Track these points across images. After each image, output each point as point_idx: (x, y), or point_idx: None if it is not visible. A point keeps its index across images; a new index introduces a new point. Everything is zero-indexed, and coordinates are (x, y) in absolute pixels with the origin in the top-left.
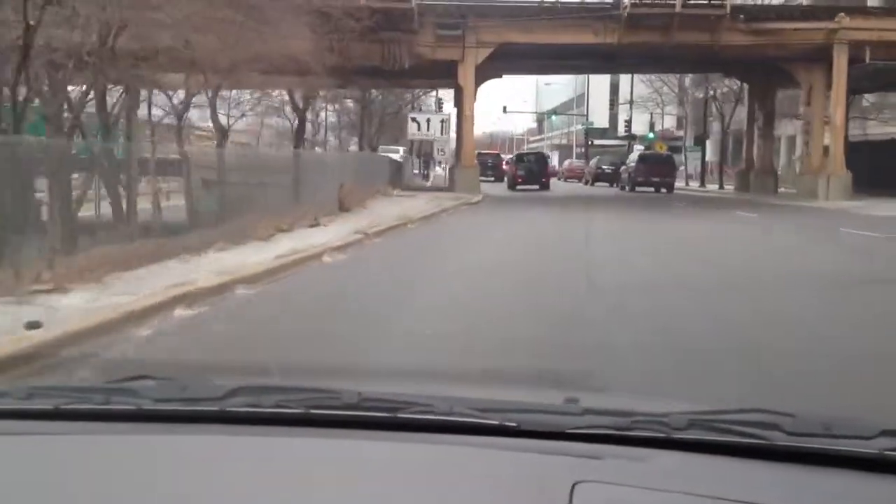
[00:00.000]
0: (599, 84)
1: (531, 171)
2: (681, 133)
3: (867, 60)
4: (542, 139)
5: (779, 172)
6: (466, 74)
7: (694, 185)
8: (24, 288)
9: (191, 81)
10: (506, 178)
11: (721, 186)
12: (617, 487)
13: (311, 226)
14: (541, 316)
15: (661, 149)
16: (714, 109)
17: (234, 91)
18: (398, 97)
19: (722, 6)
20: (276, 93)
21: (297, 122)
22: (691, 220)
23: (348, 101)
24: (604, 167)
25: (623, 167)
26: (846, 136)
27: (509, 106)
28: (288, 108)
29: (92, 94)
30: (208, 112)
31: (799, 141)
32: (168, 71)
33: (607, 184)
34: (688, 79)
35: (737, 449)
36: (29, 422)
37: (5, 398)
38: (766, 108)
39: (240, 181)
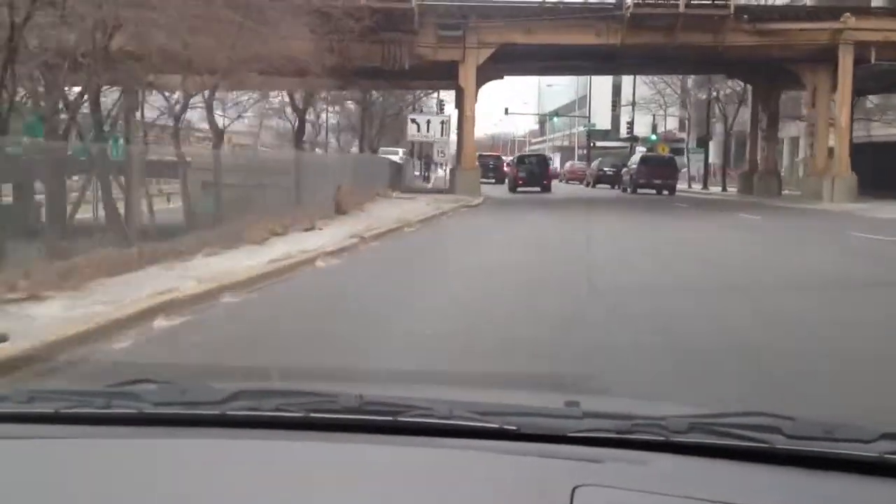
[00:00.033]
0: (601, 85)
1: (532, 173)
2: (683, 135)
3: (873, 61)
4: (543, 141)
5: (781, 174)
6: (467, 75)
7: (696, 187)
8: None
9: (188, 82)
10: (507, 180)
11: (724, 188)
12: (617, 491)
13: (307, 229)
14: (541, 319)
15: (664, 151)
16: (717, 111)
17: (233, 92)
18: (399, 98)
19: (726, 6)
20: (277, 95)
21: (297, 123)
22: (694, 222)
23: (349, 102)
24: (605, 169)
25: (624, 169)
26: (851, 138)
27: (511, 108)
28: (289, 110)
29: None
30: (222, 115)
31: (802, 143)
32: (164, 72)
33: (608, 186)
34: (690, 80)
35: (737, 452)
36: (29, 425)
37: (5, 402)
38: (770, 109)
39: (236, 183)
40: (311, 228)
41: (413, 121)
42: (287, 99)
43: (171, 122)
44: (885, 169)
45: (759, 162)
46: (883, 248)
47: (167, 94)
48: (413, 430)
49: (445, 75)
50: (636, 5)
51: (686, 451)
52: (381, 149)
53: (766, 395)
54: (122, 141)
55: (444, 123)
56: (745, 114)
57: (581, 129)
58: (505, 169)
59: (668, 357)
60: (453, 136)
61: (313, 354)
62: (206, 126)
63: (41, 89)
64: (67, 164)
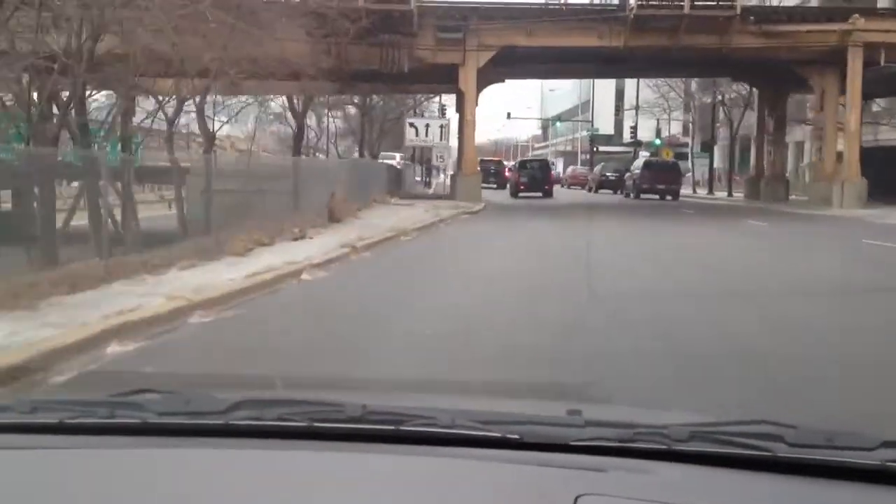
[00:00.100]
0: (605, 90)
1: (534, 178)
2: (687, 139)
3: (882, 63)
4: (546, 146)
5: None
6: (468, 78)
7: (701, 192)
8: None
9: (180, 85)
10: (508, 186)
11: (730, 194)
12: (619, 500)
13: (296, 238)
14: (541, 333)
15: (668, 155)
16: (722, 115)
17: (227, 96)
18: (400, 103)
19: (732, 7)
20: (273, 98)
21: (296, 128)
22: (700, 229)
23: (350, 107)
24: (608, 174)
25: (627, 174)
26: (860, 142)
27: (514, 112)
28: (290, 115)
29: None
30: (212, 118)
31: (807, 147)
32: (150, 74)
33: (611, 191)
34: (694, 83)
35: (739, 461)
36: (32, 436)
37: (8, 412)
38: (777, 113)
39: (235, 189)
40: (302, 237)
41: (412, 125)
42: (287, 103)
43: (167, 126)
44: (895, 174)
45: (765, 167)
46: None
47: (160, 97)
48: (416, 439)
49: (446, 79)
50: (640, 6)
51: (688, 460)
52: (381, 153)
53: (782, 405)
54: (119, 146)
55: (444, 128)
56: (751, 118)
57: (584, 133)
58: (506, 174)
59: (669, 363)
60: (454, 141)
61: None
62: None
63: (35, 95)
64: (57, 170)
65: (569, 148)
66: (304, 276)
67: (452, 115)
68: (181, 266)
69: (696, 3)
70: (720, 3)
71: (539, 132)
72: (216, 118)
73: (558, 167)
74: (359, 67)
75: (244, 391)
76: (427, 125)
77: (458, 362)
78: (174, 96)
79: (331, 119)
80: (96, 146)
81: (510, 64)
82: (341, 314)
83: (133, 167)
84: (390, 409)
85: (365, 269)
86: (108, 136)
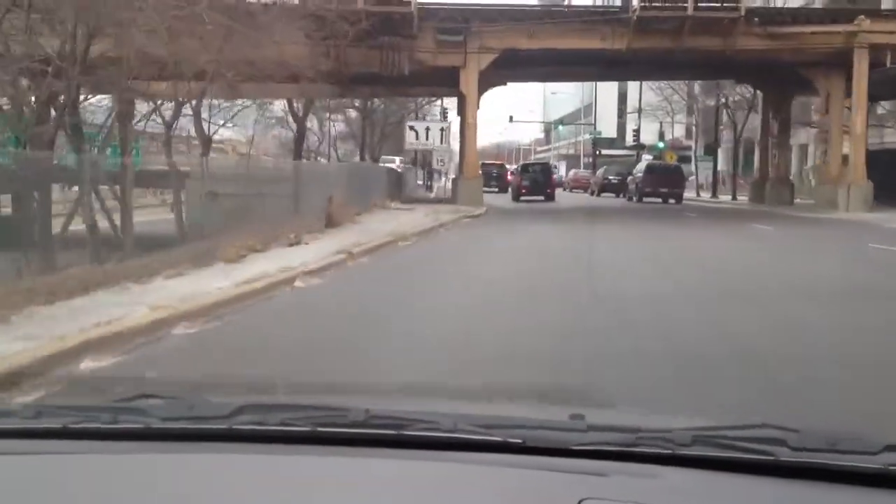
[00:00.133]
0: (607, 93)
1: (536, 181)
2: (690, 142)
3: (888, 65)
4: (549, 149)
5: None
6: (469, 81)
7: (705, 195)
8: None
9: (174, 88)
10: (510, 189)
11: (734, 197)
12: None
13: (292, 244)
14: (542, 353)
15: (671, 158)
16: (726, 117)
17: (223, 99)
18: (401, 106)
19: (736, 9)
20: (272, 103)
21: (297, 131)
22: (705, 233)
23: (351, 110)
24: (610, 178)
25: (630, 177)
26: (866, 145)
27: (516, 116)
28: (291, 119)
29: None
30: (207, 121)
31: (811, 149)
32: (146, 78)
33: (613, 194)
34: (697, 86)
35: (742, 465)
36: (36, 441)
37: (12, 417)
38: (782, 115)
39: (235, 192)
40: (297, 243)
41: (411, 128)
42: (287, 107)
43: (165, 130)
44: None
45: (770, 170)
46: None
47: (158, 101)
48: (418, 444)
49: (447, 81)
50: (642, 8)
51: (691, 464)
52: (382, 157)
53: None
54: (118, 150)
55: (444, 131)
56: (755, 120)
57: (587, 137)
58: (508, 178)
59: (670, 363)
60: (456, 145)
61: None
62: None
63: (33, 98)
64: (53, 174)
65: (571, 151)
66: (298, 284)
67: (454, 118)
68: (168, 274)
69: (699, 4)
70: (724, 4)
71: (542, 135)
72: (212, 121)
73: (561, 170)
74: (359, 70)
75: (247, 396)
76: (427, 128)
77: (456, 373)
78: (170, 99)
79: (332, 123)
80: (96, 150)
81: (512, 66)
82: (334, 326)
83: (133, 171)
84: (393, 413)
85: (361, 277)
86: (107, 140)
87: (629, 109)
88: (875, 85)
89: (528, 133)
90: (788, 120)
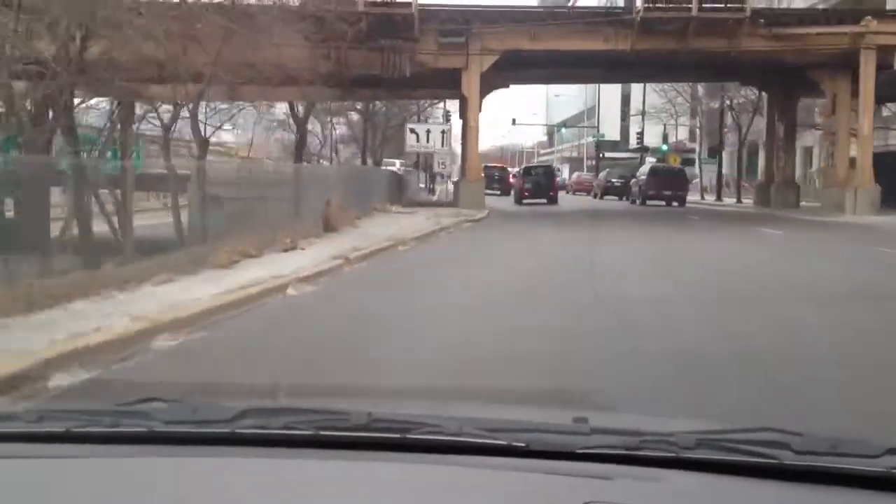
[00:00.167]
0: (611, 95)
1: (538, 184)
2: (694, 145)
3: (895, 66)
4: (552, 152)
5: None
6: (471, 83)
7: (709, 198)
8: None
9: (175, 91)
10: (512, 192)
11: (739, 200)
12: None
13: (287, 249)
14: (543, 357)
15: (675, 161)
16: (730, 120)
17: (226, 102)
18: (403, 109)
19: (741, 9)
20: (273, 106)
21: (298, 134)
22: (711, 237)
23: (352, 113)
24: (613, 180)
25: (633, 180)
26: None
27: (519, 118)
28: (293, 122)
29: (85, 105)
30: (204, 123)
31: (816, 152)
32: (142, 80)
33: (616, 197)
34: (701, 88)
35: (745, 468)
36: (39, 445)
37: (15, 421)
38: (787, 117)
39: (227, 196)
40: (293, 248)
41: (412, 130)
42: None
43: (163, 133)
44: None
45: (775, 173)
46: None
47: (155, 103)
48: (422, 448)
49: (448, 84)
50: (646, 9)
51: (695, 468)
52: (384, 160)
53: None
54: (118, 153)
55: (445, 133)
56: (760, 123)
57: (590, 139)
58: (511, 180)
59: (671, 363)
60: (457, 147)
61: None
62: (213, 138)
63: (29, 104)
64: (49, 177)
65: (574, 154)
66: (290, 291)
67: (457, 121)
68: (157, 280)
69: (704, 5)
70: (729, 5)
71: (545, 138)
72: (208, 123)
73: (564, 173)
74: (359, 73)
75: (250, 400)
76: (428, 130)
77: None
78: (168, 102)
79: (334, 126)
80: (96, 153)
81: (514, 68)
82: (329, 337)
83: (133, 174)
84: (396, 417)
85: (357, 283)
86: (107, 143)
87: (632, 112)
88: (881, 86)
89: (530, 136)
90: (794, 122)
